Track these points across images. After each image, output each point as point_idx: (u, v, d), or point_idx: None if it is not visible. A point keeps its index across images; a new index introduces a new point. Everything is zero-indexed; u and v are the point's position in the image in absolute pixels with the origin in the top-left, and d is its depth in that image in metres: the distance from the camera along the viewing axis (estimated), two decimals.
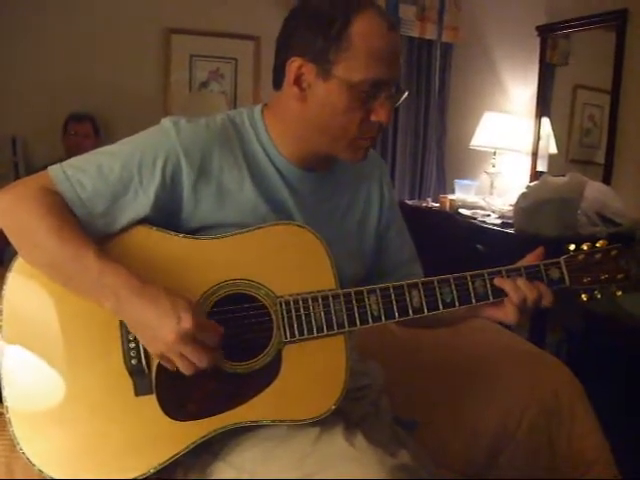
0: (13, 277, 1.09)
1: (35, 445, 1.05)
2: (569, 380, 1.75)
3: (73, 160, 1.13)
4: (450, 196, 3.99)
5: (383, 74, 1.10)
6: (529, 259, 1.21)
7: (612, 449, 1.66)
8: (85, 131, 3.52)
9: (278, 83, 1.19)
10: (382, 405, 1.36)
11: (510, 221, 3.32)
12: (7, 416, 1.06)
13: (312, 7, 1.14)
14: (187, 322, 0.99)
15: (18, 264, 1.09)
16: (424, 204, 4.17)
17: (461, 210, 3.76)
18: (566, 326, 2.90)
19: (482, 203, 3.83)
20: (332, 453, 1.05)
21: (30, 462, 1.04)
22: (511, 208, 3.41)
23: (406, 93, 1.20)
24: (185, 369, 1.02)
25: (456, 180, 4.20)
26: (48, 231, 1.04)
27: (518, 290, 1.15)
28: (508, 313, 1.17)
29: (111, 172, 1.10)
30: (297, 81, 1.13)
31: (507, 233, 3.25)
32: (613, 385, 2.35)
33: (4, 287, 1.09)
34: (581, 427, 1.66)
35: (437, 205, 4.04)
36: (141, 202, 1.11)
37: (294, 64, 1.12)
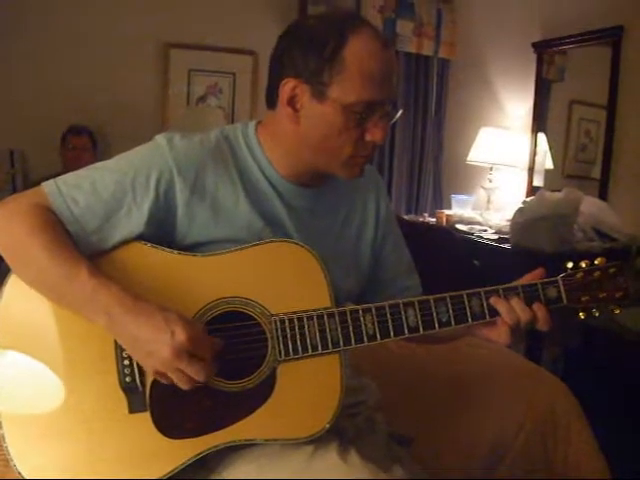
0: (9, 290, 1.09)
1: (28, 461, 1.04)
2: (565, 396, 1.75)
3: (67, 176, 1.12)
4: (447, 211, 3.99)
5: (377, 95, 1.10)
6: (529, 278, 1.20)
7: (608, 464, 1.66)
8: (83, 144, 3.52)
9: (272, 103, 1.18)
10: (377, 421, 1.35)
11: (507, 236, 3.32)
12: (0, 432, 1.05)
13: (306, 27, 1.14)
14: (181, 336, 0.98)
15: (14, 277, 1.09)
16: (421, 219, 4.17)
17: (458, 225, 3.76)
18: (562, 341, 2.89)
19: (479, 218, 3.83)
20: (326, 469, 1.05)
21: (22, 476, 1.03)
22: (508, 223, 3.41)
23: (400, 112, 1.20)
24: (182, 384, 1.02)
25: (453, 195, 4.20)
26: (41, 249, 1.04)
27: (512, 312, 1.14)
28: (501, 334, 1.16)
29: (105, 189, 1.10)
30: (291, 102, 1.12)
31: (504, 248, 3.25)
32: (609, 400, 2.34)
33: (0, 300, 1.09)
34: (577, 442, 1.66)
35: (434, 220, 4.04)
36: (135, 219, 1.10)
37: (288, 85, 1.11)
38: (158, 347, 0.99)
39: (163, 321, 1.00)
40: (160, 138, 1.16)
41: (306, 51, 1.09)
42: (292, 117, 1.13)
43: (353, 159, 1.16)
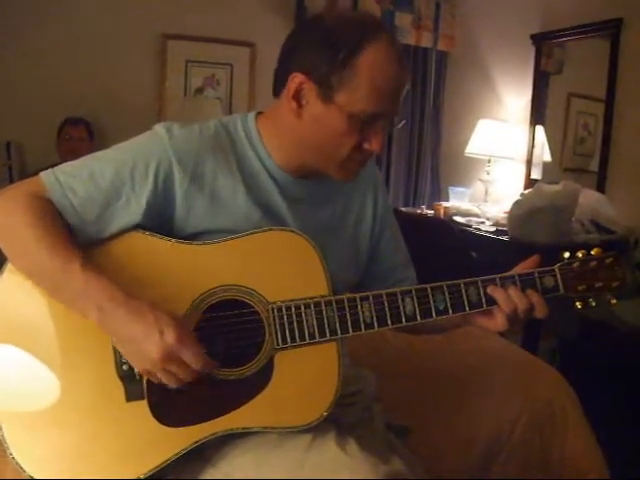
0: (5, 279, 1.09)
1: (25, 450, 1.04)
2: (562, 388, 1.75)
3: (65, 166, 1.12)
4: (444, 203, 4.00)
5: (384, 108, 1.10)
6: (524, 266, 1.20)
7: (605, 456, 1.66)
8: (80, 135, 3.51)
9: (277, 91, 1.17)
10: (374, 411, 1.35)
11: (504, 229, 3.33)
12: None
13: (323, 25, 1.11)
14: (170, 337, 0.98)
15: (9, 269, 1.09)
16: (418, 211, 4.17)
17: (455, 217, 3.76)
18: (559, 333, 2.90)
19: (476, 210, 3.83)
20: (325, 460, 1.05)
21: (20, 467, 1.03)
22: (505, 215, 3.42)
23: (403, 122, 1.20)
24: (169, 382, 1.02)
25: (450, 187, 4.21)
26: (37, 240, 1.03)
27: (509, 300, 1.14)
28: (498, 322, 1.16)
29: (103, 178, 1.09)
30: (296, 96, 1.12)
31: (501, 240, 3.25)
32: (606, 392, 2.35)
33: None
34: (574, 435, 1.66)
35: (431, 212, 4.04)
36: (133, 209, 1.10)
37: (296, 79, 1.10)
38: (147, 347, 0.99)
39: (153, 320, 0.99)
40: (159, 127, 1.16)
41: (319, 51, 1.08)
42: (295, 111, 1.13)
43: (348, 164, 1.16)
